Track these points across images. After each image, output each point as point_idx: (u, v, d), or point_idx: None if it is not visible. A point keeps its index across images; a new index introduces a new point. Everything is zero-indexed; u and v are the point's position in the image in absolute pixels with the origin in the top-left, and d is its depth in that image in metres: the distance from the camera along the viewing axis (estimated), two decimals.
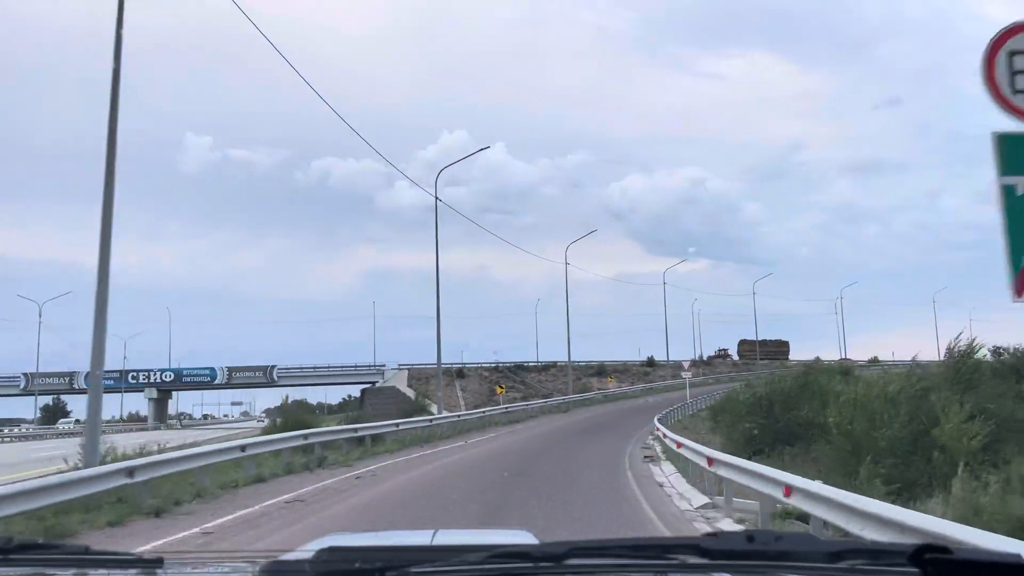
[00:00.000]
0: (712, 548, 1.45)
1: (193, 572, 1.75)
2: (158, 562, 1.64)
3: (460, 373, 73.40)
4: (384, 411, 47.40)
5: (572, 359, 61.08)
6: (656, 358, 76.50)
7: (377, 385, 73.29)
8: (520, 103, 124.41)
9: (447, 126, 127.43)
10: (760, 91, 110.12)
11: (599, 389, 62.91)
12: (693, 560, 1.46)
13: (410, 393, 66.50)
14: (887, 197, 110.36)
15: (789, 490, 8.85)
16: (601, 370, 72.84)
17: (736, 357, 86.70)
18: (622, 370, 75.07)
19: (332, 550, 1.60)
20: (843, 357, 76.64)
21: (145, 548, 8.16)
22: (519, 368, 76.43)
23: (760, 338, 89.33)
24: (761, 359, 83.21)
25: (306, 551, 1.79)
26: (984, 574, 1.32)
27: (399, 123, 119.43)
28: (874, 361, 67.28)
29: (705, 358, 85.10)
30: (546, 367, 76.26)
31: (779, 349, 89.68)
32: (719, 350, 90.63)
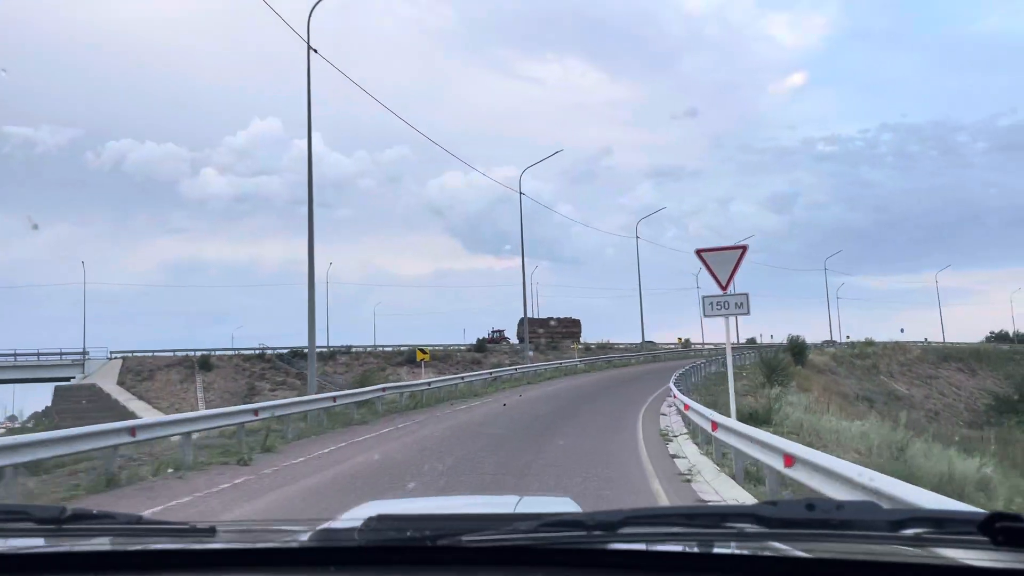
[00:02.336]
0: (770, 516, 1.41)
1: (244, 540, 1.76)
2: (210, 531, 1.65)
3: (205, 363, 59.65)
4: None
5: (379, 343, 64.67)
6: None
7: (73, 383, 54.80)
8: (337, 94, 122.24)
9: (259, 113, 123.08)
10: (574, 96, 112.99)
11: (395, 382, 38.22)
12: (751, 529, 1.42)
13: (118, 394, 50.37)
14: (684, 201, 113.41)
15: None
16: (412, 357, 57.91)
17: (515, 339, 73.89)
18: (442, 356, 66.11)
19: (381, 518, 1.59)
20: (645, 340, 71.25)
21: None
22: (295, 356, 62.48)
23: (550, 316, 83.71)
24: (547, 339, 76.60)
25: (354, 519, 1.79)
26: None
27: (208, 106, 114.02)
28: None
29: (476, 341, 75.37)
30: (334, 354, 65.36)
31: (570, 330, 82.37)
32: (493, 331, 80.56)
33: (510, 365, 49.30)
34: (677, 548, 1.45)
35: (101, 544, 1.64)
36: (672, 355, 66.46)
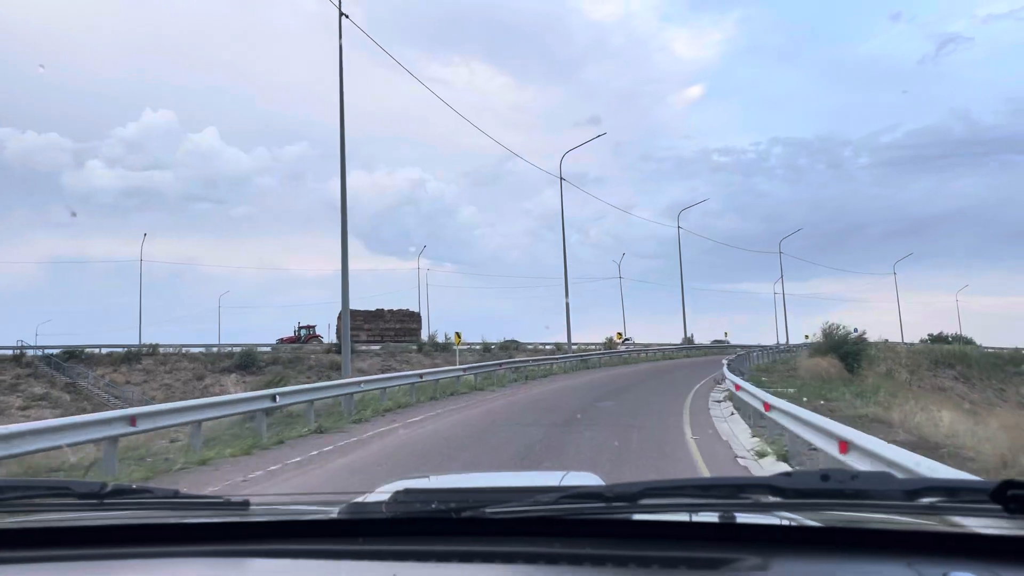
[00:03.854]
0: (786, 487, 1.45)
1: (276, 513, 1.82)
2: (244, 504, 1.71)
3: None
4: None
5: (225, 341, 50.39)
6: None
7: None
8: (236, 88, 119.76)
9: (152, 104, 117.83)
10: (480, 99, 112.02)
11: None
12: (767, 499, 1.46)
13: None
14: (587, 207, 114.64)
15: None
16: (247, 360, 48.52)
17: (334, 337, 57.90)
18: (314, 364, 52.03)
19: (408, 491, 1.64)
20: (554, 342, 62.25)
21: None
22: (70, 357, 47.90)
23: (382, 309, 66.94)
24: (375, 336, 63.28)
25: (382, 492, 1.85)
26: None
27: (97, 94, 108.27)
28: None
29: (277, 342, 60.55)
30: (136, 356, 50.35)
31: (405, 326, 66.85)
32: (301, 327, 63.65)
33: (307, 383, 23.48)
34: (694, 518, 1.49)
35: (140, 517, 1.71)
36: (618, 362, 47.37)
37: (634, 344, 65.05)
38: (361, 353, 52.55)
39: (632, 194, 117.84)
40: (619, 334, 64.06)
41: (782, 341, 71.27)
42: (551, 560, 1.40)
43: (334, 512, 1.67)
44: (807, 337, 68.64)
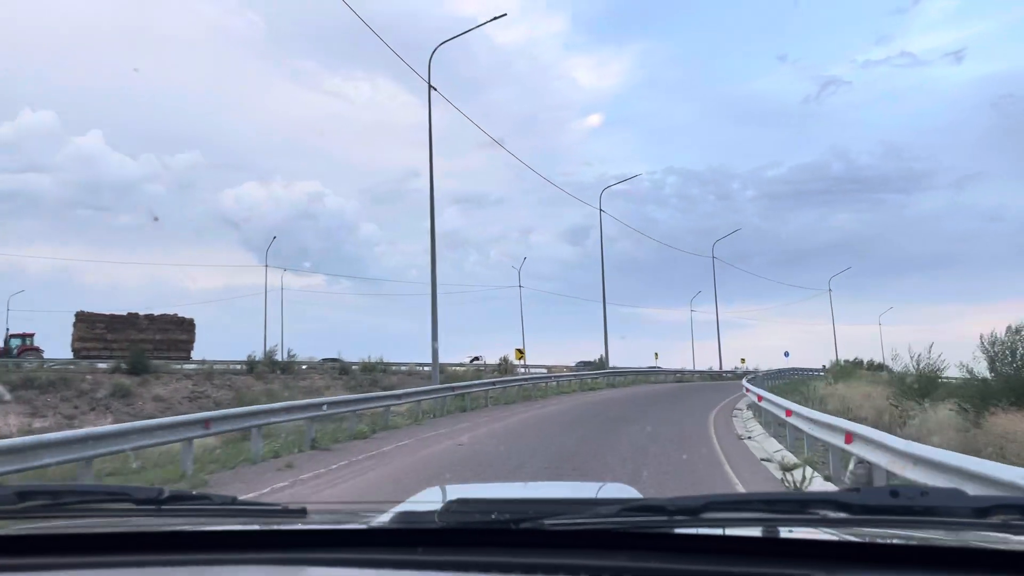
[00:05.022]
0: (854, 503, 1.42)
1: (332, 521, 1.82)
2: (302, 512, 1.71)
3: None
4: None
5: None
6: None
7: None
8: (123, 91, 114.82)
9: (30, 104, 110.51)
10: (382, 116, 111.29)
11: None
12: (834, 515, 1.43)
13: None
14: (487, 229, 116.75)
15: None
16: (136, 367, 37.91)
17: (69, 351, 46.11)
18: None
19: (462, 502, 1.64)
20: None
21: None
22: None
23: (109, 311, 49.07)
24: (115, 347, 45.30)
25: (422, 502, 1.84)
26: None
27: None
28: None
29: None
30: None
31: (169, 337, 51.20)
32: (11, 337, 47.74)
33: None
34: (759, 533, 1.46)
35: (198, 524, 1.72)
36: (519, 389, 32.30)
37: (529, 371, 51.24)
38: (161, 375, 39.25)
39: (532, 217, 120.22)
40: (519, 351, 48.23)
41: (714, 367, 67.24)
42: (617, 574, 1.38)
43: (386, 519, 1.67)
44: (743, 361, 68.87)
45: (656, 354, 65.79)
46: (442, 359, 29.55)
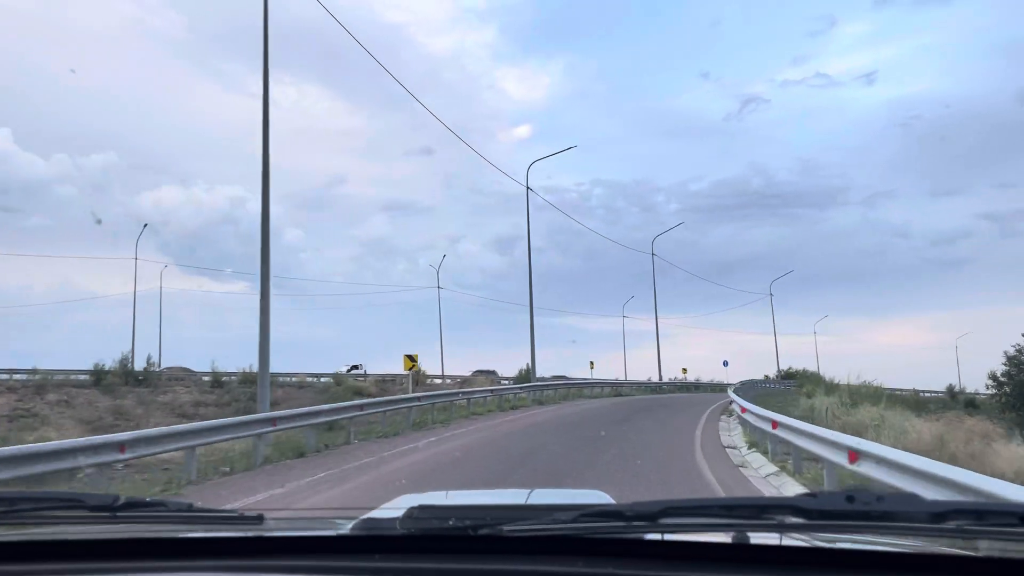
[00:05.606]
0: (811, 508, 1.42)
1: (290, 528, 1.80)
2: (258, 519, 1.69)
3: None
4: None
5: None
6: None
7: None
8: (33, 88, 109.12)
9: None
10: (309, 122, 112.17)
11: None
12: (791, 520, 1.43)
13: None
14: (416, 237, 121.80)
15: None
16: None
17: None
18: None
19: (422, 508, 1.62)
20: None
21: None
22: None
23: None
24: None
25: (395, 508, 1.83)
26: None
27: None
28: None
29: None
30: None
31: None
32: None
33: None
34: (716, 539, 1.46)
35: (152, 531, 1.70)
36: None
37: (429, 384, 43.23)
38: None
39: (461, 226, 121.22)
40: (410, 358, 31.91)
41: (652, 377, 59.55)
42: None
43: (347, 528, 1.65)
44: (684, 372, 63.39)
45: (592, 363, 56.60)
46: (323, 368, 24.78)
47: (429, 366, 51.72)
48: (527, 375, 42.66)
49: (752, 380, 50.88)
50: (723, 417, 24.12)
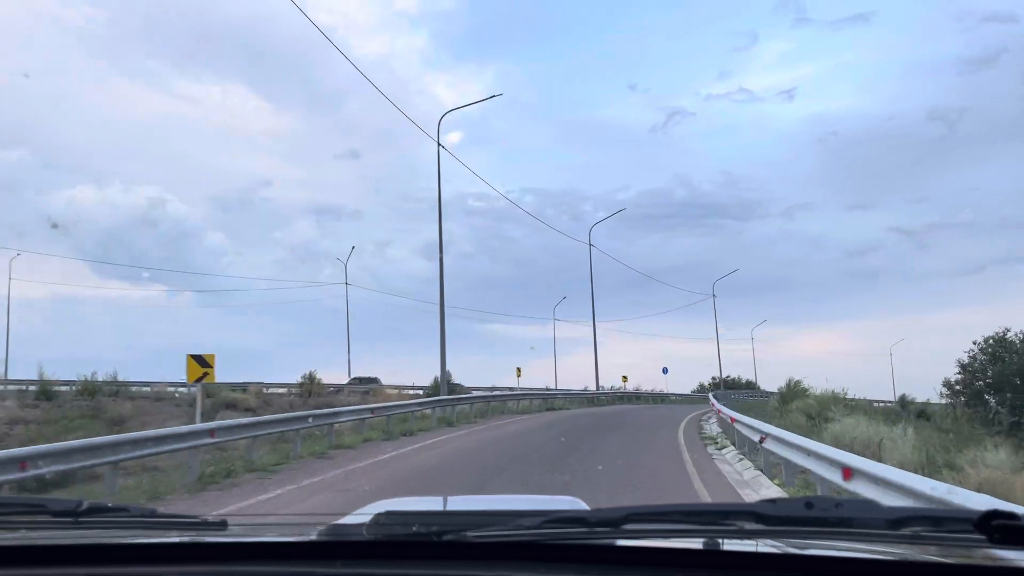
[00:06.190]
0: (770, 514, 1.44)
1: (255, 534, 1.80)
2: (222, 524, 1.69)
3: None
4: None
5: None
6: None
7: None
8: None
9: None
10: (233, 122, 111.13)
11: None
12: (750, 526, 1.45)
13: None
14: (343, 241, 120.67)
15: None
16: None
17: None
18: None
19: (389, 514, 1.63)
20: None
21: None
22: None
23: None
24: None
25: (363, 515, 1.83)
26: None
27: None
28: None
29: None
30: None
31: None
32: None
33: None
34: (677, 544, 1.48)
35: (115, 536, 1.69)
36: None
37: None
38: None
39: (389, 231, 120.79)
40: (199, 362, 17.40)
41: (589, 386, 52.35)
42: None
43: (314, 534, 1.65)
44: (624, 380, 57.95)
45: (519, 370, 47.55)
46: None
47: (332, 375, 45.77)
48: (436, 388, 34.38)
49: (722, 391, 49.43)
50: (713, 450, 17.64)
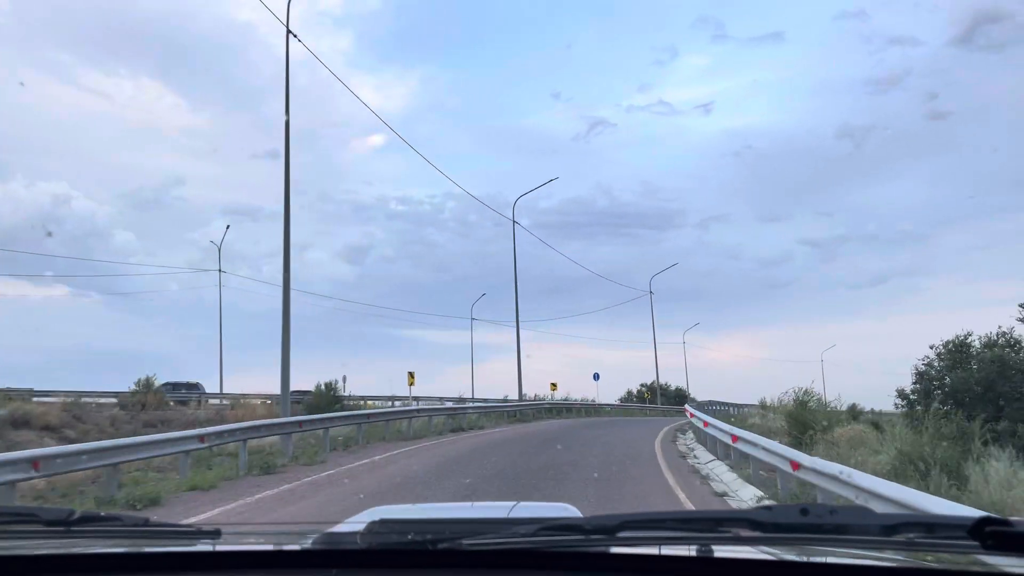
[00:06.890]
0: (765, 521, 1.44)
1: (248, 543, 1.79)
2: (216, 533, 1.68)
3: None
4: None
5: None
6: None
7: None
8: None
9: None
10: (146, 118, 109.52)
11: None
12: (746, 533, 1.45)
13: None
14: (261, 244, 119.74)
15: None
16: None
17: None
18: None
19: (383, 522, 1.62)
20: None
21: None
22: None
23: None
24: None
25: (357, 523, 1.82)
26: None
27: None
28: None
29: None
30: None
31: None
32: None
33: None
34: (673, 552, 1.48)
35: (108, 546, 1.67)
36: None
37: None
38: None
39: (309, 234, 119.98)
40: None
41: (510, 395, 43.59)
42: None
43: (307, 542, 1.64)
44: (554, 388, 48.20)
45: (411, 375, 33.78)
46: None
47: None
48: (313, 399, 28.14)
49: (710, 402, 43.63)
50: None
